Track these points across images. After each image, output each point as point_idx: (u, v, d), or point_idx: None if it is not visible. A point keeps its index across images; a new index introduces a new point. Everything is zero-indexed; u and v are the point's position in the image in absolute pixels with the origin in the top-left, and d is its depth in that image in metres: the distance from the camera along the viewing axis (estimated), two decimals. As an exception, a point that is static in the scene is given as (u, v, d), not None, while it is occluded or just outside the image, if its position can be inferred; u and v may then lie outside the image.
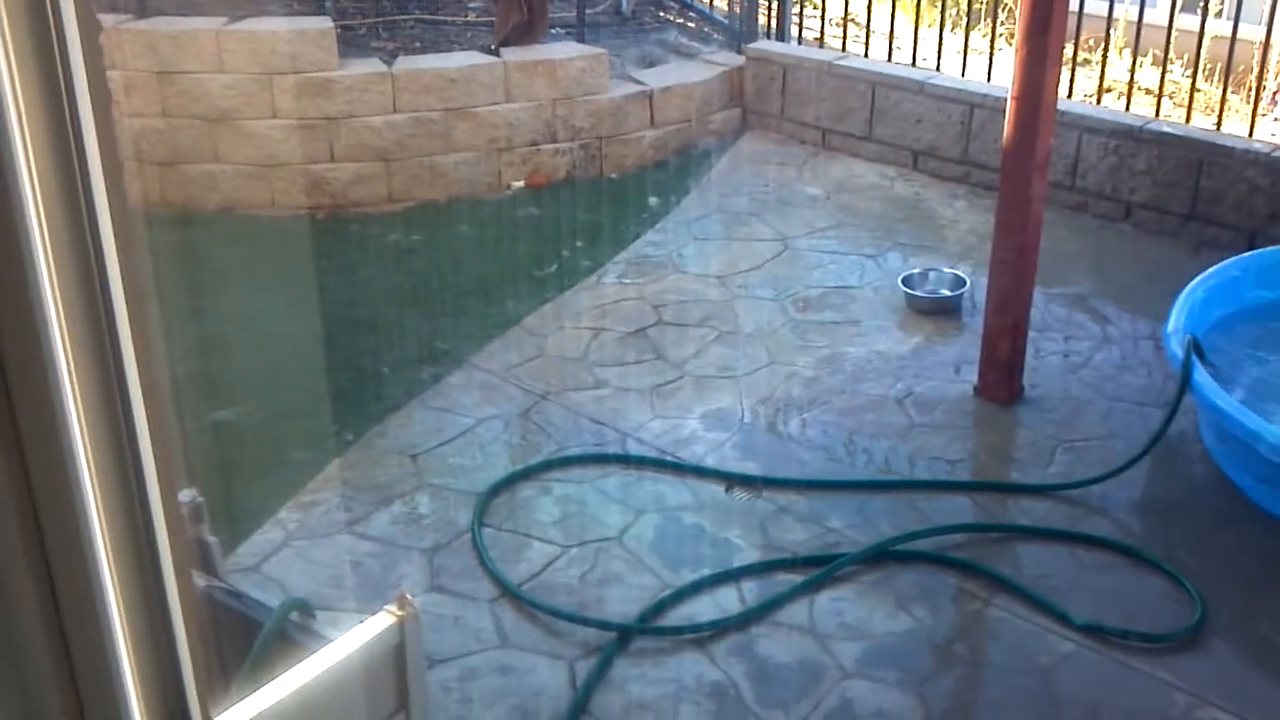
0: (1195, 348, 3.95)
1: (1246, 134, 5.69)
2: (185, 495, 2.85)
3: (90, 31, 0.98)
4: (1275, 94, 6.56)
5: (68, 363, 1.00)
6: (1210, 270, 4.55)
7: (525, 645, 3.27)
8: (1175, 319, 4.18)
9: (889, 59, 6.87)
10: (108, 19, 5.86)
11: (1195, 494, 3.95)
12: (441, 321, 4.97)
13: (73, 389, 1.01)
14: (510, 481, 3.93)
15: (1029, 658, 3.26)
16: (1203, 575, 3.50)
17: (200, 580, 2.66)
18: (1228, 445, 3.92)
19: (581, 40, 6.80)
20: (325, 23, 6.05)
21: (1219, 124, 5.82)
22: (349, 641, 2.02)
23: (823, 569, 3.54)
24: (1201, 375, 3.87)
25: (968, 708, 3.23)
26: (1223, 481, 3.94)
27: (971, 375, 4.46)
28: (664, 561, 3.59)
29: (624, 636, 3.28)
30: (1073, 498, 3.88)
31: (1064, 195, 5.88)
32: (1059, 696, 3.14)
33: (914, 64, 6.69)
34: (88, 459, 1.04)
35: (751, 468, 4.04)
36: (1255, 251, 4.92)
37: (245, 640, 2.42)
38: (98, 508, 1.06)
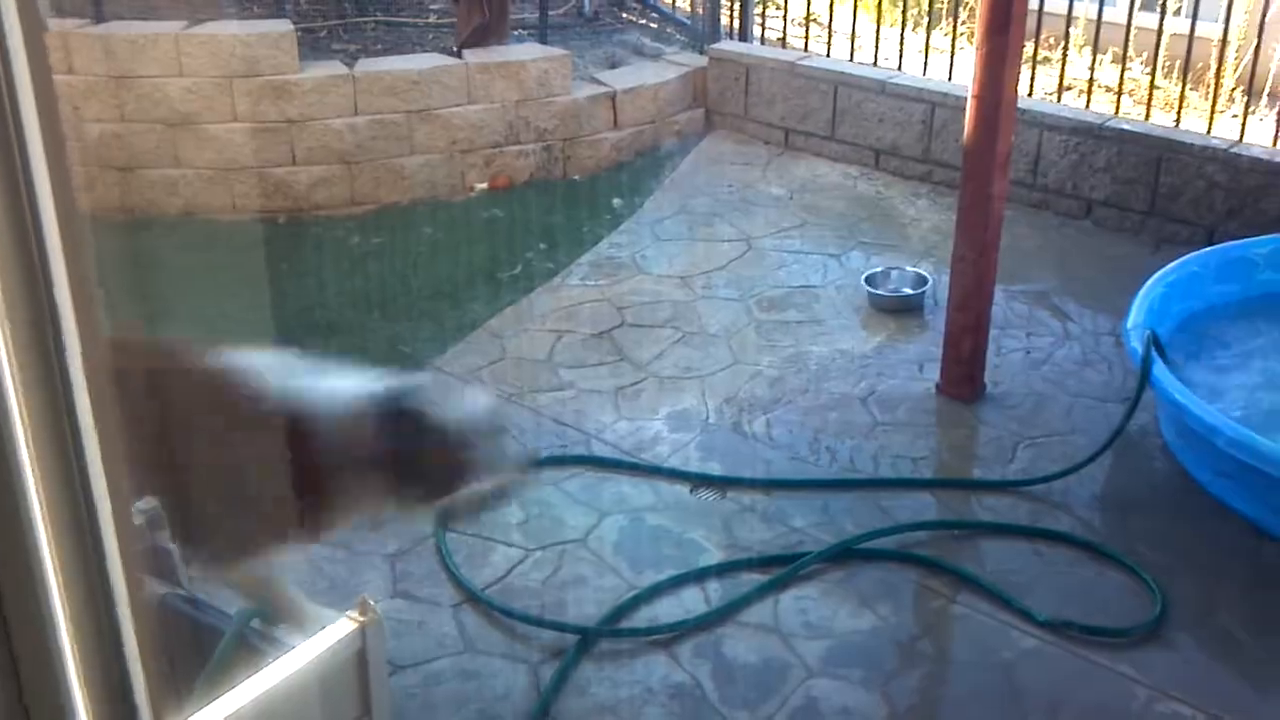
0: (1155, 343, 3.98)
1: (1205, 131, 5.74)
2: (144, 503, 2.82)
3: (33, 29, 0.97)
4: None
5: (10, 370, 0.99)
6: (1170, 266, 4.59)
7: (489, 649, 3.26)
8: (1135, 315, 4.21)
9: (851, 59, 6.90)
10: (64, 23, 5.80)
11: (1155, 489, 3.98)
12: (404, 324, 4.95)
13: (16, 397, 1.00)
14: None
15: (992, 654, 3.28)
16: (1163, 569, 3.53)
17: (160, 588, 2.64)
18: (1187, 440, 3.96)
19: (544, 41, 6.79)
20: (285, 25, 6.02)
21: (1178, 121, 5.88)
22: (309, 648, 2.01)
23: (787, 568, 3.54)
24: (1161, 370, 3.90)
25: (932, 704, 3.24)
26: (1182, 476, 3.97)
27: (934, 373, 4.48)
28: (628, 563, 3.59)
29: (587, 639, 3.28)
30: (1035, 493, 3.91)
31: (1025, 193, 5.92)
32: (1022, 692, 3.16)
33: (876, 64, 6.71)
34: (33, 467, 1.02)
35: (716, 468, 4.04)
36: (1214, 247, 4.97)
37: (206, 647, 2.40)
38: (44, 517, 1.05)
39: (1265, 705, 3.16)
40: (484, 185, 6.21)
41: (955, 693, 3.24)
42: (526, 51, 6.50)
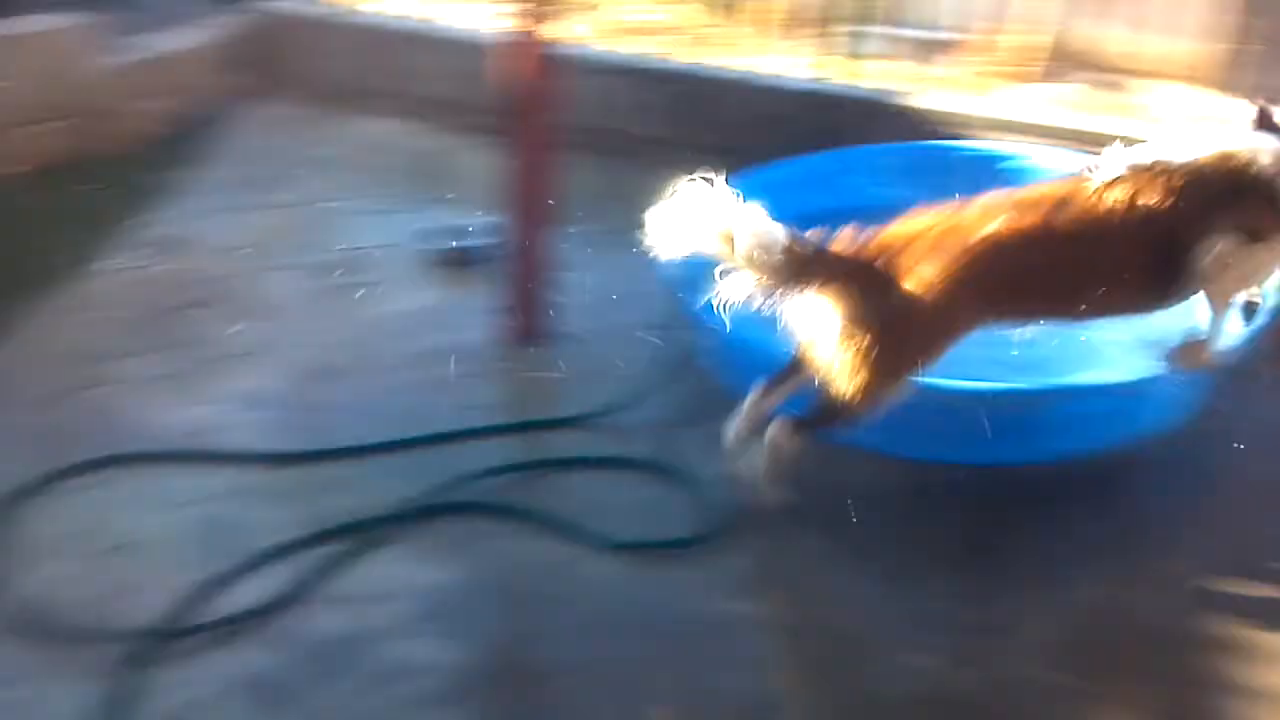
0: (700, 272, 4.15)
1: (753, 67, 6.06)
2: None
3: None
4: None
5: None
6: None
7: (41, 675, 3.01)
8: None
9: (403, 13, 6.81)
10: None
11: (708, 409, 4.13)
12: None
13: None
14: (15, 497, 3.61)
15: (572, 587, 3.36)
16: (720, 483, 3.69)
17: None
18: (731, 361, 4.16)
19: (69, 9, 6.27)
20: None
21: (728, 59, 6.18)
22: None
23: (363, 535, 3.50)
24: (704, 299, 4.05)
25: (519, 647, 3.29)
26: (732, 394, 4.17)
27: (500, 321, 4.51)
28: (196, 558, 3.40)
29: (153, 643, 3.09)
30: (604, 425, 4.02)
31: (577, 136, 6.03)
32: (606, 620, 3.24)
33: (428, 17, 6.67)
34: None
35: (291, 444, 3.91)
36: (749, 170, 5.21)
37: None
38: None
39: (827, 602, 3.40)
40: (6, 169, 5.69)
41: (539, 632, 3.31)
42: (45, 21, 6.00)
